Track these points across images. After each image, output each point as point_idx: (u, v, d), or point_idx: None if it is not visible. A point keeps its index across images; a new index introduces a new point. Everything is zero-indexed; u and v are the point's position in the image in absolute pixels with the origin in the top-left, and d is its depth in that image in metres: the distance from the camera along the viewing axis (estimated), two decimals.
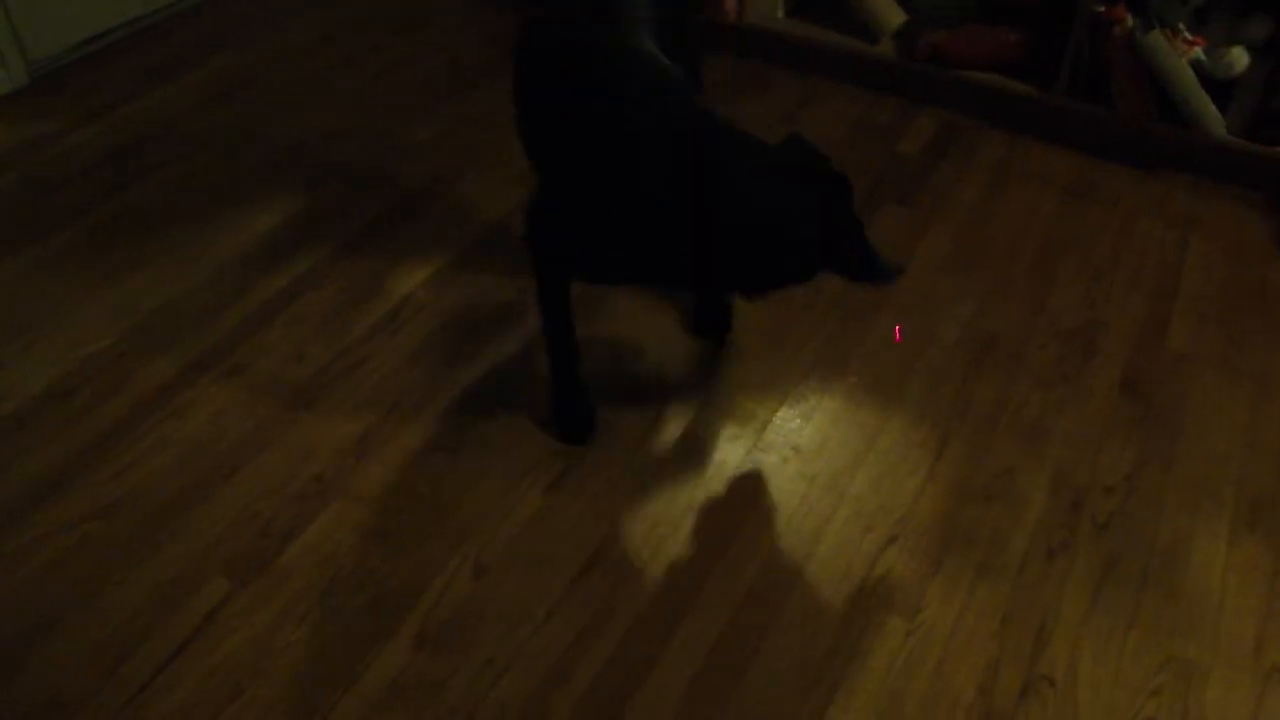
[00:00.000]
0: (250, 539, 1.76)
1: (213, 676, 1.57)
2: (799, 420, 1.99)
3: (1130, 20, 2.55)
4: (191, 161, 2.62)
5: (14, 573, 1.71)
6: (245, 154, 2.64)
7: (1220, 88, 2.56)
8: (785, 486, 1.87)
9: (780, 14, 3.04)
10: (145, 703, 1.54)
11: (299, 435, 1.94)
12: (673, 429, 1.96)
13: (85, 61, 2.99)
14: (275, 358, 2.08)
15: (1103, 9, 2.56)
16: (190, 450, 1.90)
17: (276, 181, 2.55)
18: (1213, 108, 2.53)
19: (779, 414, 2.00)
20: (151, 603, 1.67)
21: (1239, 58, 2.53)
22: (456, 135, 2.70)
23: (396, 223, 2.42)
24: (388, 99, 2.84)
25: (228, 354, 2.09)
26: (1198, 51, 2.56)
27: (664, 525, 1.80)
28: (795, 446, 1.94)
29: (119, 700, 1.54)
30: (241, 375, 2.04)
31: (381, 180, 2.55)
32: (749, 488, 1.87)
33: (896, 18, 2.92)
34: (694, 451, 1.93)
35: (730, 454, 1.92)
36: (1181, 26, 2.59)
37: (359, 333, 2.14)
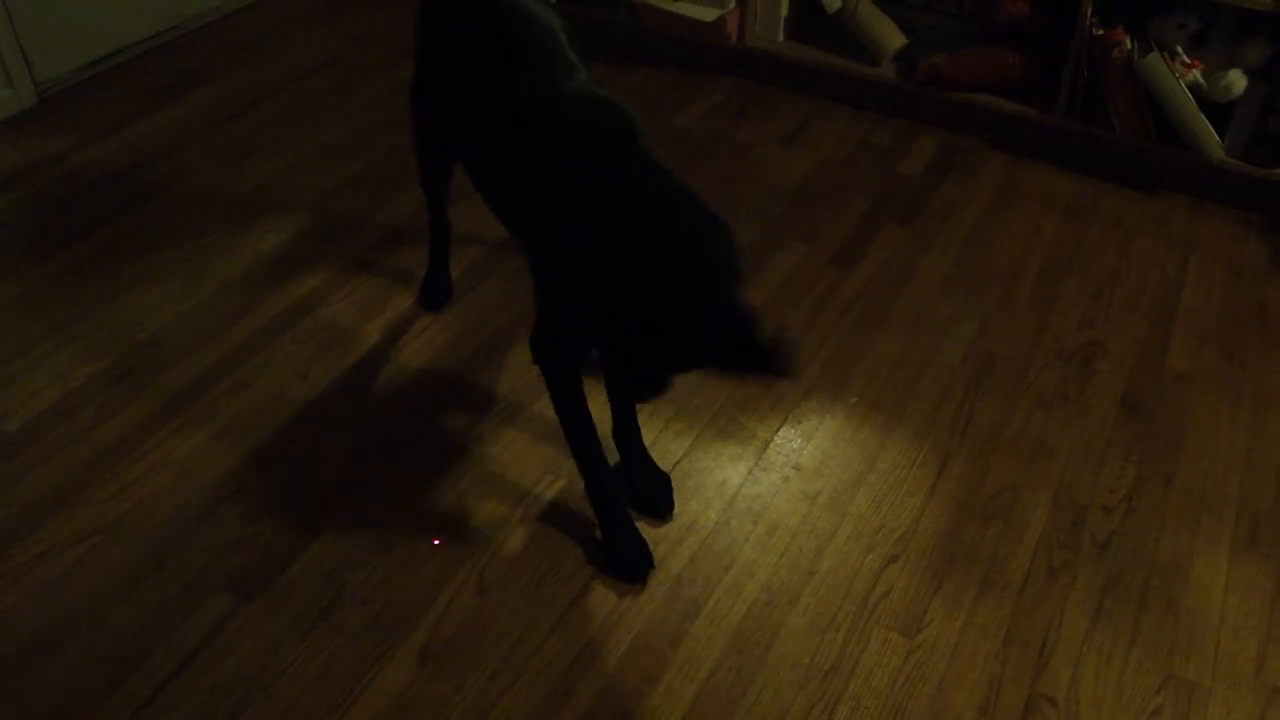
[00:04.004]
0: (254, 554, 1.77)
1: (216, 692, 1.58)
2: (800, 440, 2.00)
3: (1129, 43, 2.57)
4: (198, 180, 2.64)
5: (18, 588, 1.71)
6: (252, 173, 2.66)
7: (1218, 110, 2.58)
8: (787, 506, 1.88)
9: (781, 37, 3.07)
10: (149, 718, 1.54)
11: (303, 452, 1.94)
12: (675, 448, 1.97)
13: (92, 82, 3.01)
14: (280, 375, 2.09)
15: (1102, 32, 2.58)
16: (193, 467, 1.91)
17: (283, 200, 2.57)
18: (1211, 130, 2.55)
19: (780, 433, 2.01)
20: (155, 618, 1.67)
21: (1237, 81, 2.55)
22: None
23: (402, 241, 2.44)
24: (394, 119, 2.86)
25: (232, 371, 2.10)
26: (1196, 74, 2.58)
27: (665, 543, 1.81)
28: (797, 466, 1.95)
29: (123, 715, 1.54)
30: (246, 392, 2.05)
31: (387, 199, 2.57)
32: (751, 507, 1.87)
33: (896, 40, 2.95)
34: (696, 470, 1.94)
35: (732, 473, 1.93)
36: (1179, 50, 2.61)
37: (364, 350, 2.16)
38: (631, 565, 1.75)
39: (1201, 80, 2.59)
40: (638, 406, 1.88)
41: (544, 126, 1.59)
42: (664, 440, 1.98)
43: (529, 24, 1.73)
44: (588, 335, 1.65)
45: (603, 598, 1.72)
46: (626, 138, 1.53)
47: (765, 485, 1.91)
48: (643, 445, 1.88)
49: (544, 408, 2.02)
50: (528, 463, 1.93)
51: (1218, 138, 2.56)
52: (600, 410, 1.83)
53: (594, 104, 1.59)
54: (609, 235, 1.45)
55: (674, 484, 1.88)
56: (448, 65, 1.84)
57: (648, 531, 1.81)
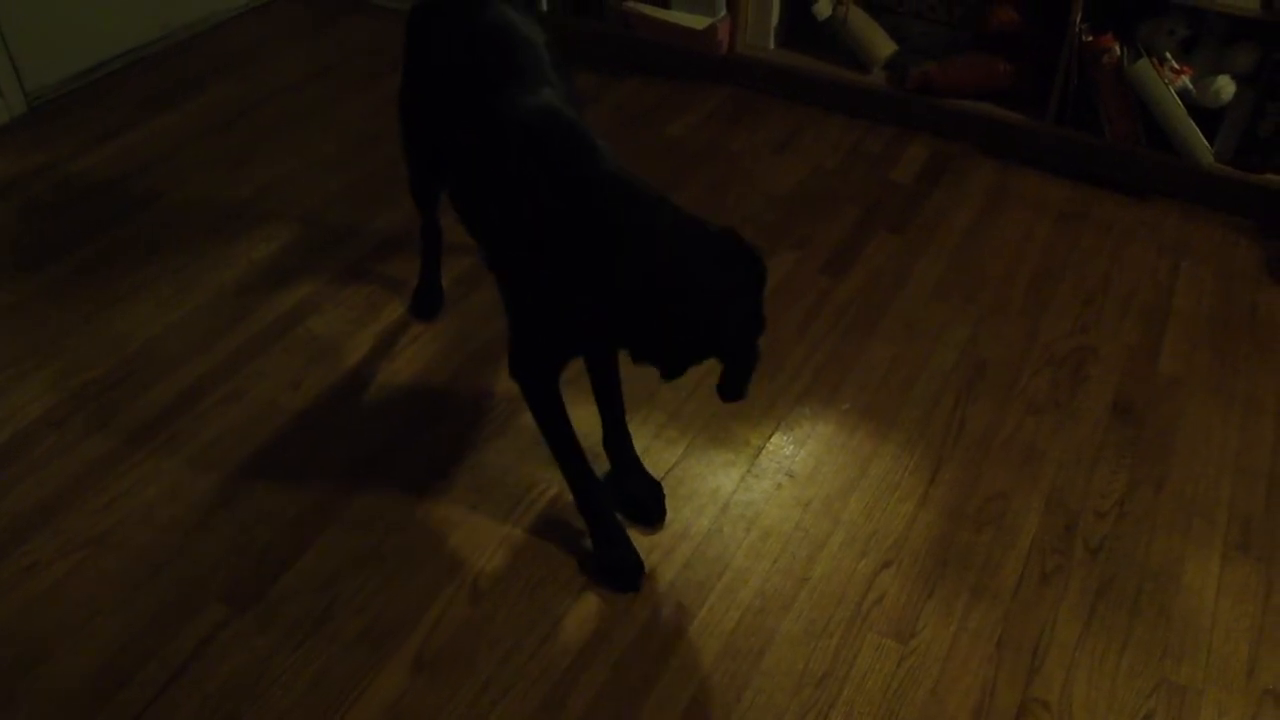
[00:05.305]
0: (247, 565, 1.76)
1: (209, 703, 1.57)
2: (793, 446, 2.00)
3: (1118, 49, 2.58)
4: (190, 189, 2.64)
5: (8, 600, 1.71)
6: (244, 182, 2.66)
7: (1208, 115, 2.59)
8: (779, 513, 1.88)
9: (772, 45, 3.07)
10: None
11: (295, 461, 1.94)
12: (667, 455, 1.97)
13: (83, 92, 3.01)
14: (272, 384, 2.09)
15: (1091, 39, 2.60)
16: (185, 477, 1.91)
17: (275, 209, 2.57)
18: (1200, 135, 2.56)
19: (773, 440, 2.01)
20: (147, 629, 1.67)
21: (1225, 86, 2.56)
22: None
23: (395, 250, 2.44)
24: (386, 128, 2.86)
25: (224, 381, 2.10)
26: (1185, 80, 2.59)
27: (658, 551, 1.81)
28: (789, 473, 1.95)
29: None
30: (238, 402, 2.05)
31: (379, 208, 2.57)
32: (743, 514, 1.87)
33: (887, 48, 2.95)
34: (689, 478, 1.94)
35: (725, 480, 1.93)
36: (1168, 55, 2.62)
37: (356, 360, 2.16)
38: (623, 574, 1.75)
39: (1191, 86, 2.60)
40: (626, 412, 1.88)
41: (499, 144, 1.60)
42: (656, 447, 1.98)
43: (511, 38, 1.75)
44: (564, 349, 1.66)
45: (596, 605, 1.72)
46: (581, 152, 1.54)
47: (758, 492, 1.91)
48: (634, 453, 1.88)
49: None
50: (520, 471, 1.93)
51: (1207, 143, 2.57)
52: (591, 420, 1.84)
53: (547, 120, 1.60)
54: (582, 252, 1.48)
55: (666, 491, 1.88)
56: (431, 76, 1.85)
57: (640, 539, 1.81)
